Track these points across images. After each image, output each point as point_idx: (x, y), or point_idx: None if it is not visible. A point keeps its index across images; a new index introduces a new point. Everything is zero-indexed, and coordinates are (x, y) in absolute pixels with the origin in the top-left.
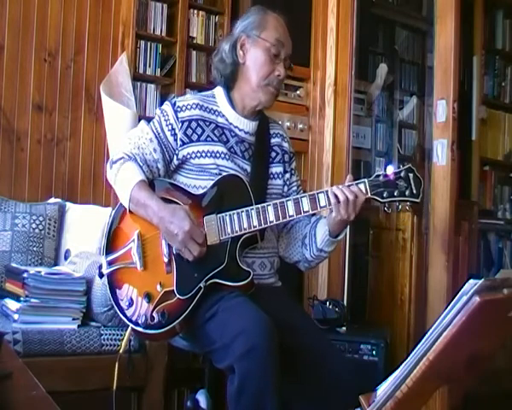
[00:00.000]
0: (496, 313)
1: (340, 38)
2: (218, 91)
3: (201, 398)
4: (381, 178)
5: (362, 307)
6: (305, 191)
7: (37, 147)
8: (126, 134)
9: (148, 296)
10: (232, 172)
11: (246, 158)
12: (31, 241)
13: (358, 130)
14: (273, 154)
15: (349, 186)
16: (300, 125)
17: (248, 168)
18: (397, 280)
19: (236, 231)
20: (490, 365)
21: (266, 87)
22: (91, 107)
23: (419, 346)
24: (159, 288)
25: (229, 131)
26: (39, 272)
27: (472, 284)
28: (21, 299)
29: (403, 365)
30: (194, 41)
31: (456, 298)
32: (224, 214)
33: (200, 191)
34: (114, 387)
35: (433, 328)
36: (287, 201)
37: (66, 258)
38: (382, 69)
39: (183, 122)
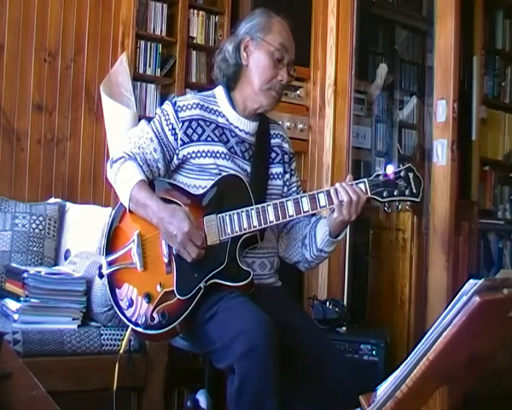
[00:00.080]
0: (496, 313)
1: (340, 38)
2: (219, 91)
3: (201, 398)
4: (380, 177)
5: (362, 307)
6: (304, 191)
7: (37, 147)
8: (127, 133)
9: (148, 297)
10: (232, 172)
11: (246, 158)
12: (31, 241)
13: (358, 130)
14: (273, 154)
15: (351, 185)
16: (300, 125)
17: (248, 169)
18: (397, 280)
19: (236, 231)
20: (490, 365)
21: (268, 91)
22: (91, 107)
23: (419, 346)
24: (159, 288)
25: (229, 132)
26: (39, 272)
27: (472, 284)
28: (21, 299)
29: (403, 365)
30: (194, 41)
31: (456, 298)
32: (223, 214)
33: (200, 191)
34: (115, 387)
35: (433, 328)
36: (286, 201)
37: (66, 258)
38: (382, 69)
39: (183, 122)
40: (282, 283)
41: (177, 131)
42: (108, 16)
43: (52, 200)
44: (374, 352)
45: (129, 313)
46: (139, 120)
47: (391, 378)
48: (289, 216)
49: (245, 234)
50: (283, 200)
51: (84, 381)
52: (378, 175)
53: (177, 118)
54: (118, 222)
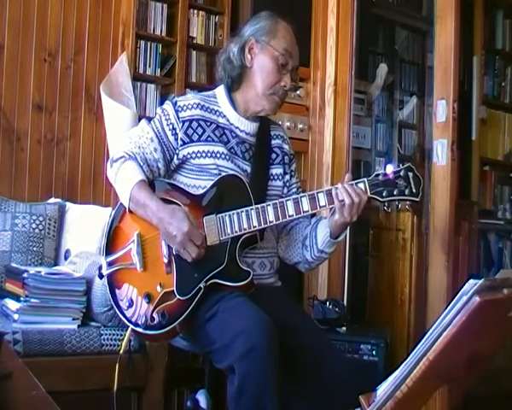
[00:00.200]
0: (496, 313)
1: (340, 38)
2: (220, 92)
3: (201, 398)
4: (380, 177)
5: (362, 307)
6: (304, 191)
7: (37, 147)
8: (127, 133)
9: (148, 297)
10: (232, 172)
11: (246, 159)
12: (31, 241)
13: (358, 130)
14: (273, 155)
15: (351, 186)
16: (300, 125)
17: (248, 169)
18: (397, 280)
19: (236, 232)
20: (490, 365)
21: (271, 96)
22: (91, 107)
23: (419, 346)
24: (159, 288)
25: (229, 132)
26: (39, 272)
27: (472, 284)
28: (21, 299)
29: (403, 365)
30: (194, 41)
31: (456, 298)
32: (223, 215)
33: (200, 191)
34: (115, 387)
35: (433, 328)
36: (286, 201)
37: (66, 258)
38: (382, 69)
39: (183, 122)
40: (282, 283)
41: (178, 131)
42: (108, 16)
43: (52, 200)
44: (374, 352)
45: (129, 313)
46: (139, 119)
47: (391, 378)
48: (289, 216)
49: (245, 234)
50: (283, 200)
51: (84, 381)
52: (378, 175)
53: (178, 118)
54: (118, 222)
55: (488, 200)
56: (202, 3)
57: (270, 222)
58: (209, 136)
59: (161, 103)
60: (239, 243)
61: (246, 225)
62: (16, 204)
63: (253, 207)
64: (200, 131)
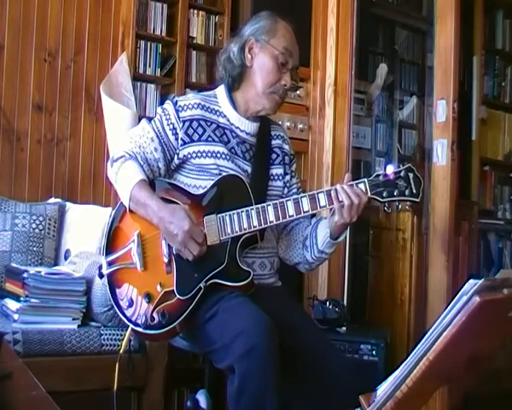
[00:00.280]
0: (496, 313)
1: (340, 38)
2: (220, 92)
3: (201, 398)
4: (380, 177)
5: (362, 307)
6: (304, 192)
7: (37, 147)
8: (127, 133)
9: (148, 297)
10: (232, 172)
11: (246, 159)
12: (31, 241)
13: (358, 130)
14: (274, 155)
15: (351, 187)
16: (300, 125)
17: (249, 169)
18: (397, 280)
19: (236, 231)
20: (490, 365)
21: (271, 95)
22: (91, 107)
23: (419, 346)
24: (159, 288)
25: (230, 132)
26: (39, 272)
27: (472, 284)
28: (21, 299)
29: (403, 365)
30: (194, 41)
31: (456, 298)
32: (223, 214)
33: (201, 191)
34: (115, 387)
35: (433, 328)
36: (286, 201)
37: (66, 258)
38: (382, 69)
39: (184, 121)
40: (282, 283)
41: (178, 130)
42: (108, 16)
43: (52, 200)
44: (374, 352)
45: (129, 312)
46: (139, 119)
47: (391, 378)
48: (289, 216)
49: (245, 234)
50: (283, 200)
51: (84, 381)
52: (378, 175)
53: (178, 117)
54: (118, 222)
55: (488, 200)
56: (202, 3)
57: (270, 222)
58: (209, 136)
59: (161, 103)
60: (239, 242)
61: (246, 225)
62: (16, 204)
63: (254, 207)
64: (200, 130)
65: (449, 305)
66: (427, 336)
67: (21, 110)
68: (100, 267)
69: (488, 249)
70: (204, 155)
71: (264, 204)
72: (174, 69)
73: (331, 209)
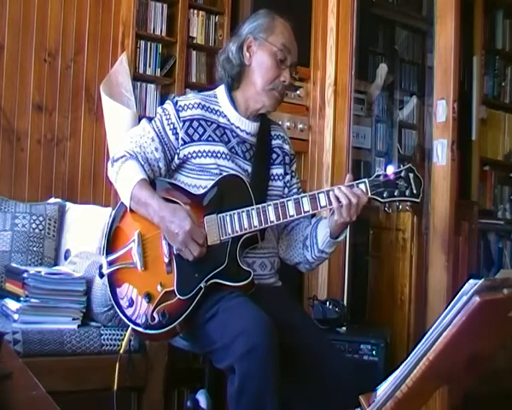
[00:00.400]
0: (496, 313)
1: (340, 38)
2: (220, 91)
3: (201, 398)
4: (381, 178)
5: (362, 307)
6: (305, 192)
7: (37, 147)
8: (128, 133)
9: (149, 296)
10: (233, 172)
11: (247, 159)
12: (31, 241)
13: (358, 130)
14: (274, 155)
15: (351, 188)
16: (300, 125)
17: (249, 169)
18: (397, 280)
19: (237, 231)
20: (490, 365)
21: (271, 92)
22: (91, 107)
23: (419, 346)
24: (159, 288)
25: (230, 132)
26: (39, 272)
27: (472, 284)
28: (21, 299)
29: (403, 365)
30: (194, 41)
31: (456, 298)
32: (224, 214)
33: (201, 191)
34: (115, 387)
35: (433, 328)
36: (287, 201)
37: (66, 258)
38: (382, 69)
39: (184, 121)
40: (282, 283)
41: (179, 130)
42: (108, 16)
43: (52, 200)
44: (374, 352)
45: (129, 312)
46: (139, 119)
47: (391, 378)
48: (290, 216)
49: (245, 234)
50: (284, 200)
51: (84, 381)
52: (378, 175)
53: (179, 117)
54: (118, 222)
55: (488, 200)
56: (202, 3)
57: (270, 222)
58: (210, 135)
59: (161, 103)
60: (240, 242)
61: (246, 225)
62: (16, 204)
63: (254, 207)
64: (200, 130)
65: (449, 305)
66: (427, 336)
67: (21, 110)
68: (100, 267)
69: (488, 249)
70: (204, 154)
71: (265, 204)
72: (174, 69)
73: (331, 209)
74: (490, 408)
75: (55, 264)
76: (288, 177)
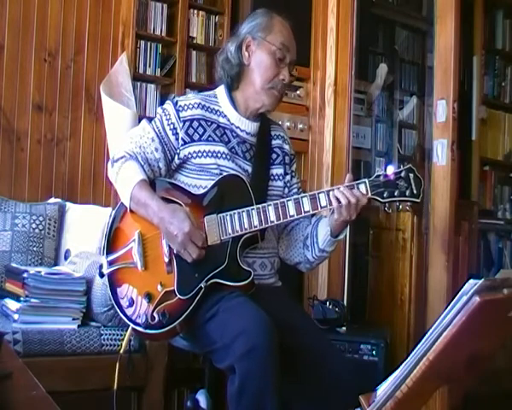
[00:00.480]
0: (496, 313)
1: (340, 38)
2: (220, 91)
3: (201, 398)
4: (381, 178)
5: (362, 307)
6: (305, 192)
7: (37, 147)
8: (128, 133)
9: (149, 296)
10: (233, 172)
11: (247, 159)
12: (31, 241)
13: (358, 130)
14: (274, 155)
15: (351, 188)
16: (300, 125)
17: (249, 169)
18: (397, 280)
19: (237, 231)
20: (490, 365)
21: (270, 90)
22: (91, 107)
23: (419, 346)
24: (159, 288)
25: (230, 132)
26: (39, 272)
27: (472, 284)
28: (21, 299)
29: (403, 365)
30: (194, 41)
31: (456, 298)
32: (224, 214)
33: (201, 191)
34: (115, 387)
35: (433, 328)
36: (287, 201)
37: (66, 258)
38: (382, 69)
39: (184, 121)
40: (282, 283)
41: (179, 130)
42: (108, 16)
43: (52, 200)
44: (374, 352)
45: (129, 312)
46: (139, 119)
47: (391, 378)
48: (290, 216)
49: (246, 234)
50: (284, 200)
51: (84, 381)
52: (379, 176)
53: (179, 117)
54: (118, 222)
55: (488, 200)
56: (202, 3)
57: (271, 222)
58: (210, 135)
59: (161, 103)
60: (240, 242)
61: (247, 225)
62: (16, 204)
63: (254, 206)
64: (200, 130)
65: (449, 305)
66: (427, 336)
67: (21, 110)
68: (100, 267)
69: (488, 249)
70: (204, 154)
71: (265, 204)
72: (174, 69)
73: (331, 209)
74: (490, 408)
75: (55, 264)
76: (288, 177)
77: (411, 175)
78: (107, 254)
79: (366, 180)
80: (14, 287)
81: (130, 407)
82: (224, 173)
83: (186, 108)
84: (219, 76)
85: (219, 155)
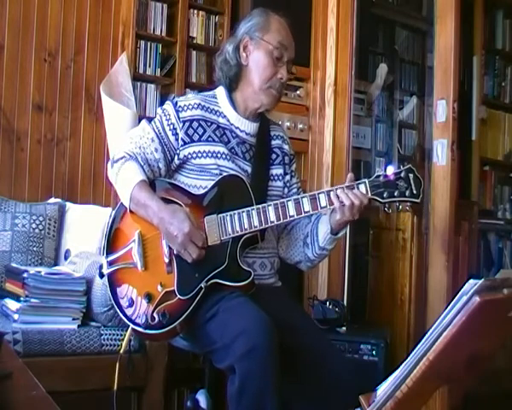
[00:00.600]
0: (496, 313)
1: (340, 38)
2: (220, 92)
3: (201, 398)
4: (381, 178)
5: (362, 307)
6: (305, 192)
7: (37, 147)
8: (128, 133)
9: (149, 297)
10: (233, 172)
11: (247, 159)
12: (31, 241)
13: (358, 130)
14: (273, 155)
15: (351, 189)
16: (300, 125)
17: (249, 169)
18: (397, 280)
19: (237, 231)
20: (490, 365)
21: (268, 90)
22: (91, 107)
23: (419, 346)
24: (159, 288)
25: (230, 132)
26: (39, 272)
27: (472, 284)
28: (21, 299)
29: (403, 365)
30: (194, 41)
31: (456, 298)
32: (224, 214)
33: (201, 191)
34: (115, 387)
35: (433, 328)
36: (287, 201)
37: (66, 258)
38: (382, 69)
39: (184, 122)
40: (282, 283)
41: (178, 131)
42: (108, 16)
43: (52, 200)
44: (374, 352)
45: (129, 312)
46: (139, 119)
47: (391, 378)
48: (290, 216)
49: (246, 234)
50: (284, 200)
51: (84, 381)
52: (378, 176)
53: (178, 118)
54: (118, 222)
55: (488, 200)
56: (202, 3)
57: (271, 222)
58: (210, 136)
59: (161, 103)
60: (240, 243)
61: (247, 225)
62: (16, 204)
63: (254, 207)
64: (200, 131)
65: (449, 305)
66: (427, 336)
67: (21, 110)
68: (100, 267)
69: (488, 249)
70: (204, 155)
71: (265, 204)
72: (174, 69)
73: (332, 208)
74: (490, 408)
75: (55, 264)
76: (287, 177)
77: (411, 175)
78: (107, 254)
79: (366, 180)
80: (14, 287)
81: (130, 407)
82: (224, 174)
83: (186, 108)
84: (218, 77)
85: (219, 155)
